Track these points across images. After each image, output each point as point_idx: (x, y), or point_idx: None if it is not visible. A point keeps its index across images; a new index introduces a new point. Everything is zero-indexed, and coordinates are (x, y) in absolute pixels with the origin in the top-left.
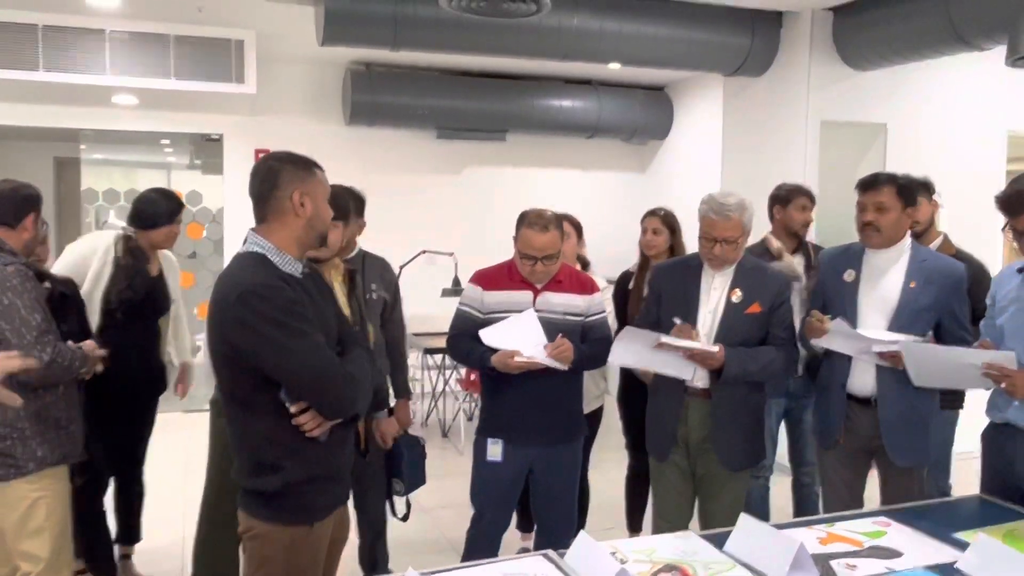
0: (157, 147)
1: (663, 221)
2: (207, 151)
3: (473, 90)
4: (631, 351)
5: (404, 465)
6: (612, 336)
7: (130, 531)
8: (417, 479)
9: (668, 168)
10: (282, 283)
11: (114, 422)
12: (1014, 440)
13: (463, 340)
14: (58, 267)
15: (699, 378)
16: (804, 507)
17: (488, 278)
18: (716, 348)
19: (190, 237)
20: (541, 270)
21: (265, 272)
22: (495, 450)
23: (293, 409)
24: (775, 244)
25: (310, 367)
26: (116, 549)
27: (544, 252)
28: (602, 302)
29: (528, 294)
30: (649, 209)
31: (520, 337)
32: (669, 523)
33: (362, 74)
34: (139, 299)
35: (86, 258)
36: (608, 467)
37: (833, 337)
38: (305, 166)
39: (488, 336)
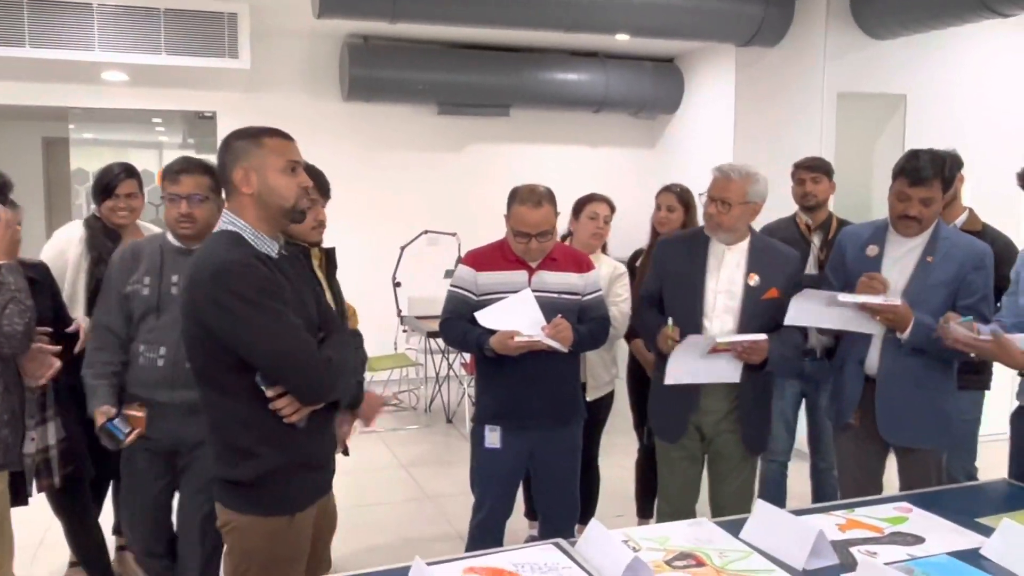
0: (148, 126)
1: (679, 198)
2: (200, 129)
3: (475, 64)
4: (807, 312)
5: None
6: (608, 315)
7: None
8: None
9: (679, 143)
10: (257, 262)
11: None
12: None
13: (457, 323)
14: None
15: (734, 374)
16: (822, 493)
17: (481, 258)
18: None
19: None
20: (536, 247)
21: (240, 251)
22: (493, 437)
23: (269, 393)
24: (803, 220)
25: (285, 349)
26: (114, 540)
27: (538, 228)
28: (598, 280)
29: (523, 274)
30: (664, 185)
31: (517, 318)
32: (672, 507)
33: (360, 48)
34: None
35: (63, 252)
36: (618, 453)
37: (800, 310)
38: (254, 137)
39: (485, 318)
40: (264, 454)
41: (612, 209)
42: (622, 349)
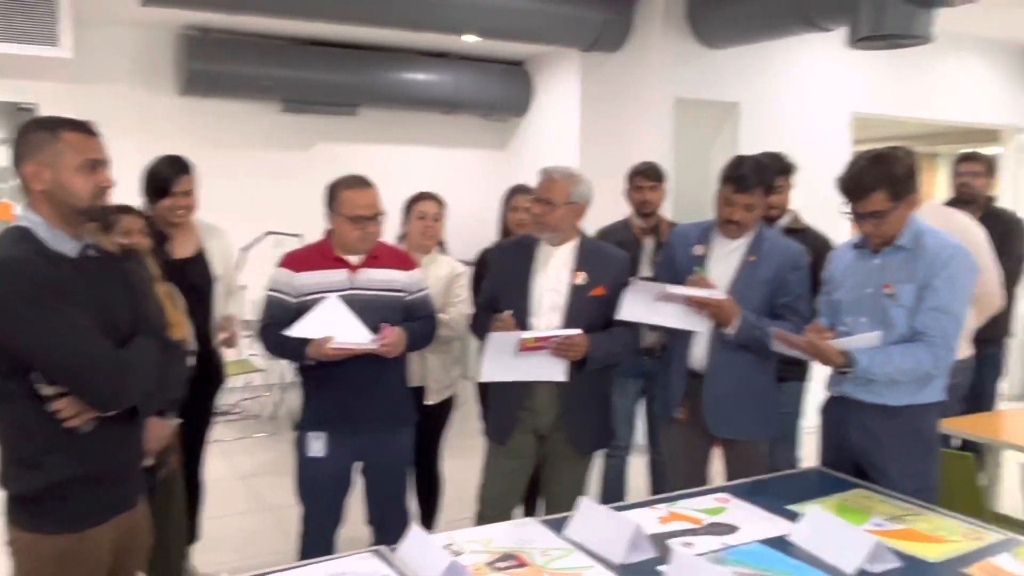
0: None
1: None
2: (22, 122)
3: (322, 61)
4: (639, 305)
5: None
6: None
7: (189, 530)
8: None
9: (528, 145)
10: (41, 259)
11: None
12: (848, 412)
13: (275, 331)
14: None
15: (558, 372)
16: (660, 485)
17: (299, 259)
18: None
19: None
20: (373, 231)
21: (21, 247)
22: (317, 445)
23: (48, 392)
24: (636, 224)
25: (68, 350)
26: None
27: (373, 209)
28: (423, 279)
29: (343, 272)
30: (515, 186)
31: (331, 326)
32: (492, 509)
33: (197, 40)
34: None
35: None
36: (468, 456)
37: (632, 304)
38: (52, 130)
39: (296, 332)
40: (49, 464)
41: (441, 205)
42: (468, 352)
